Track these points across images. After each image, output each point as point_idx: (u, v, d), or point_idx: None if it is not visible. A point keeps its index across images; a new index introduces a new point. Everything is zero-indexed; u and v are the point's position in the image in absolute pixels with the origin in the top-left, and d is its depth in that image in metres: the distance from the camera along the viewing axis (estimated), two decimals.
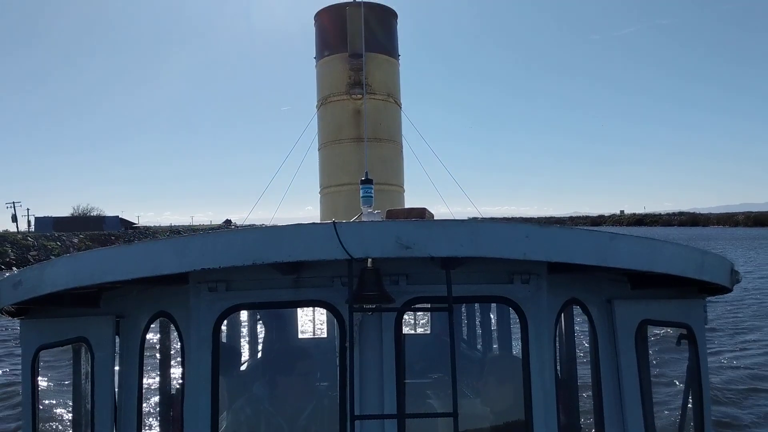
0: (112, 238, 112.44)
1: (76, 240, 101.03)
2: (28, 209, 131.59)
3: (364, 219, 6.83)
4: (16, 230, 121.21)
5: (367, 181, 7.37)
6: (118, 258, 5.30)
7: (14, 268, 76.15)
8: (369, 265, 5.28)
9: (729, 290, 6.43)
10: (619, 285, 6.32)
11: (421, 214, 6.96)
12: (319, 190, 12.35)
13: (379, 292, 5.37)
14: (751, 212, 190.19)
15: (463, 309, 12.24)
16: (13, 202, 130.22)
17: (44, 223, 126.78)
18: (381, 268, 5.40)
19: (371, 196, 7.31)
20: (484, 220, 5.36)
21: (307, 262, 5.18)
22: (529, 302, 5.91)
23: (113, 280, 5.31)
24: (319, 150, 12.29)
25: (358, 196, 7.56)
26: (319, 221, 11.84)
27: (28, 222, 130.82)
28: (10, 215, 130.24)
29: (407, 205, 12.76)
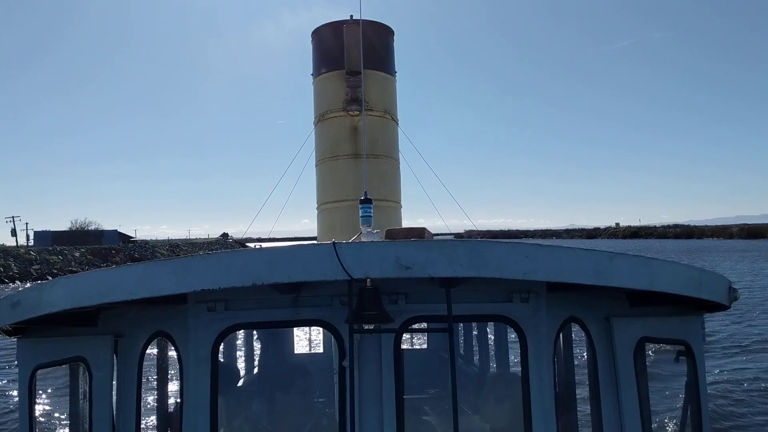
0: (113, 251, 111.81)
1: (77, 254, 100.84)
2: (27, 223, 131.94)
3: (363, 239, 6.83)
4: (15, 244, 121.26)
5: (366, 201, 7.35)
6: (117, 279, 5.27)
7: (17, 282, 76.84)
8: (368, 284, 5.26)
9: (727, 308, 6.43)
10: (617, 303, 6.31)
11: (421, 233, 6.97)
12: (316, 206, 12.29)
13: (379, 311, 5.34)
14: (746, 224, 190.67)
15: (460, 324, 12.16)
16: (13, 217, 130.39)
17: (43, 237, 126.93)
18: (380, 287, 5.38)
19: (370, 216, 7.28)
20: (483, 240, 5.49)
21: (306, 282, 5.14)
22: (529, 321, 5.88)
23: (112, 301, 5.27)
24: (316, 166, 12.25)
25: (356, 212, 7.56)
26: (317, 238, 11.78)
27: (27, 236, 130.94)
28: (10, 229, 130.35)
29: (404, 220, 12.84)
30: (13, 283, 77.61)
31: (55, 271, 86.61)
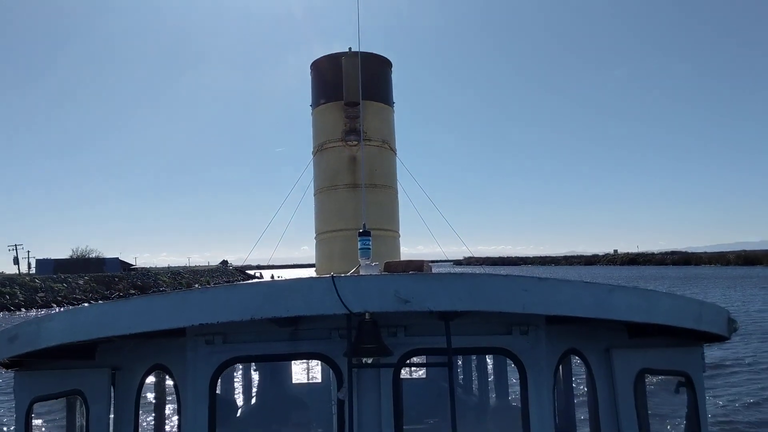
0: (116, 279, 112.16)
1: (81, 282, 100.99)
2: (28, 252, 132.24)
3: (362, 272, 6.87)
4: (17, 272, 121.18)
5: (365, 233, 7.39)
6: (115, 313, 5.29)
7: (23, 310, 77.07)
8: (367, 317, 5.25)
9: (727, 339, 6.40)
10: (617, 334, 6.28)
11: (420, 266, 6.97)
12: (314, 235, 12.24)
13: (378, 345, 5.33)
14: (743, 251, 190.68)
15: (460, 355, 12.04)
16: (15, 245, 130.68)
17: (45, 266, 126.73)
18: (379, 319, 5.37)
19: (369, 248, 7.31)
20: (482, 273, 5.41)
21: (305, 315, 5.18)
22: (528, 354, 5.86)
23: (110, 336, 5.28)
24: (314, 195, 12.22)
25: (354, 241, 7.58)
26: (315, 268, 11.67)
27: (28, 264, 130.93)
28: (12, 258, 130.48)
29: (405, 247, 12.83)
30: (19, 310, 77.60)
31: (60, 298, 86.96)
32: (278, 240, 13.22)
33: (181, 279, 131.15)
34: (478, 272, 5.65)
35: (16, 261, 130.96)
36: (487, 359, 11.57)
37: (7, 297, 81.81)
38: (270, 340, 5.81)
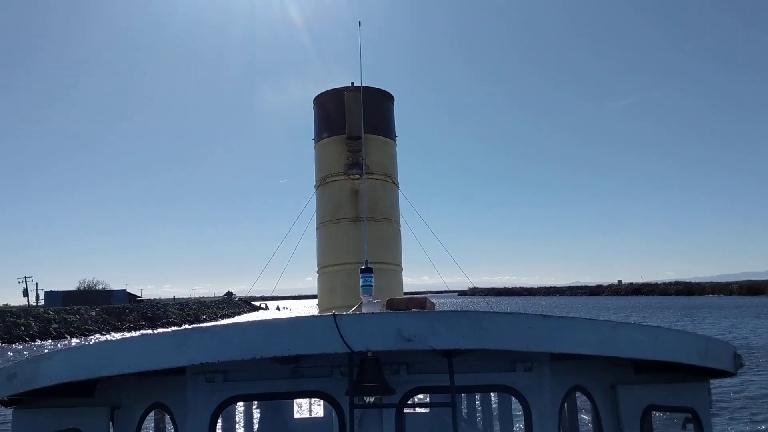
0: (126, 311, 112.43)
1: (93, 313, 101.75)
2: (37, 284, 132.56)
3: (363, 309, 6.84)
4: (27, 304, 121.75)
5: (367, 270, 7.35)
6: (115, 352, 5.23)
7: (38, 340, 78.12)
8: (369, 355, 5.21)
9: (733, 374, 6.32)
10: (622, 370, 6.20)
11: (422, 304, 6.93)
12: (317, 269, 12.11)
13: (380, 383, 5.27)
14: (747, 281, 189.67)
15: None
16: (25, 277, 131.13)
17: (54, 297, 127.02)
18: (381, 357, 5.32)
19: (371, 285, 7.27)
20: (485, 311, 5.35)
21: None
22: (533, 391, 5.77)
23: (109, 375, 5.21)
24: (317, 229, 12.12)
25: (357, 275, 7.56)
26: (317, 301, 11.55)
27: (37, 296, 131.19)
28: (22, 290, 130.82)
29: (410, 278, 12.74)
30: (34, 341, 78.19)
31: (73, 329, 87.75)
32: (281, 272, 13.12)
33: (189, 310, 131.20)
34: (480, 310, 5.59)
35: (25, 293, 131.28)
36: (492, 396, 11.42)
37: (23, 328, 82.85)
38: (271, 377, 5.73)
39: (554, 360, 5.80)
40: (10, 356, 57.43)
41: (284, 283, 13.50)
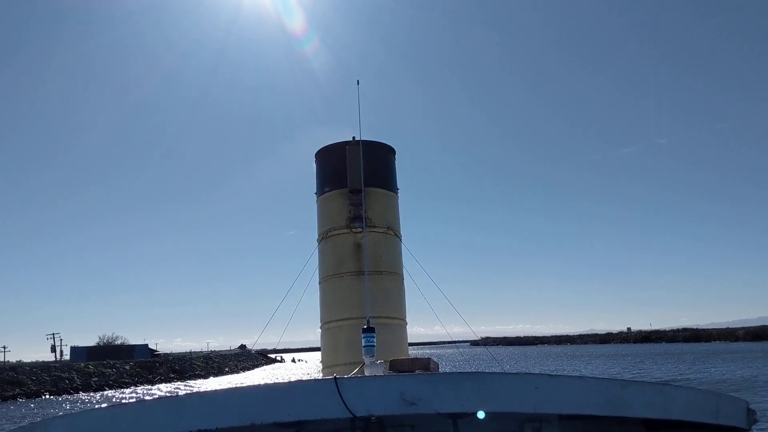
0: (156, 364, 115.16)
1: (127, 367, 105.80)
2: (61, 339, 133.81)
3: (366, 371, 6.68)
4: (54, 359, 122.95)
5: (369, 330, 7.11)
6: (113, 419, 4.95)
7: (81, 392, 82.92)
8: (373, 419, 4.94)
9: (747, 431, 5.86)
10: (633, 428, 5.70)
11: (426, 364, 6.68)
12: (320, 324, 11.69)
13: None
14: (751, 327, 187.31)
15: None
16: (53, 334, 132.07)
17: (78, 353, 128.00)
18: (385, 420, 5.08)
19: (373, 346, 7.03)
20: (491, 372, 5.06)
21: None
22: None
23: None
24: (320, 284, 11.73)
25: (360, 331, 7.30)
26: (321, 360, 11.03)
27: (61, 352, 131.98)
28: (50, 346, 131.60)
29: (420, 329, 12.45)
30: (77, 393, 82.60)
31: (111, 382, 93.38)
32: (285, 325, 12.75)
33: (213, 363, 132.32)
34: (486, 368, 5.09)
35: (53, 349, 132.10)
36: None
37: (67, 381, 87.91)
38: None
39: (563, 419, 5.41)
40: (66, 408, 58.35)
41: (297, 334, 13.09)
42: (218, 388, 5.33)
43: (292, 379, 5.36)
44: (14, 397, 74.42)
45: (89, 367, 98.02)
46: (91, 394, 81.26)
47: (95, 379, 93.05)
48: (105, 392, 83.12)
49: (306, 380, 5.01)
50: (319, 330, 11.69)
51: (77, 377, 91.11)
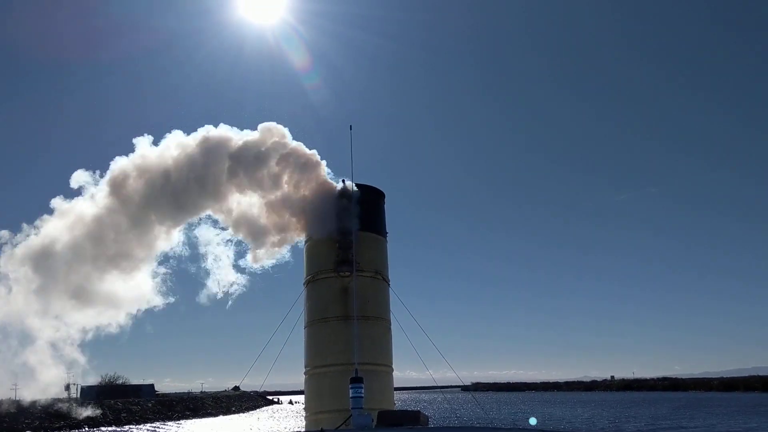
0: (173, 402, 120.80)
1: (150, 404, 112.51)
2: (72, 377, 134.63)
3: (354, 422, 6.14)
4: (68, 398, 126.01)
5: (357, 380, 6.56)
6: None
7: (113, 425, 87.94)
8: None
9: None
10: None
11: (415, 417, 6.21)
12: (304, 370, 11.14)
13: None
14: (723, 377, 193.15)
15: None
16: (67, 372, 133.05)
17: (89, 393, 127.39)
18: None
19: (361, 397, 6.50)
20: (479, 428, 4.83)
21: None
22: None
23: None
24: (305, 328, 11.20)
25: (345, 377, 6.90)
26: (305, 408, 10.26)
27: (75, 390, 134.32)
28: (64, 385, 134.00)
29: (412, 373, 12.69)
30: (110, 426, 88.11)
31: (137, 417, 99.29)
32: (269, 368, 12.24)
33: (222, 403, 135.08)
34: (475, 426, 3.89)
35: (67, 387, 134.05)
36: None
37: (101, 416, 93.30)
38: None
39: None
40: None
41: (293, 376, 12.27)
42: None
43: (284, 431, 4.43)
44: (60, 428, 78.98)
45: (118, 404, 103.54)
46: (120, 426, 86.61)
47: (124, 414, 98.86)
48: (133, 426, 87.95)
49: None
50: (304, 375, 11.13)
51: (109, 413, 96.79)
